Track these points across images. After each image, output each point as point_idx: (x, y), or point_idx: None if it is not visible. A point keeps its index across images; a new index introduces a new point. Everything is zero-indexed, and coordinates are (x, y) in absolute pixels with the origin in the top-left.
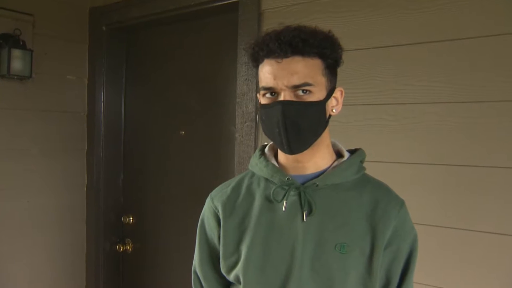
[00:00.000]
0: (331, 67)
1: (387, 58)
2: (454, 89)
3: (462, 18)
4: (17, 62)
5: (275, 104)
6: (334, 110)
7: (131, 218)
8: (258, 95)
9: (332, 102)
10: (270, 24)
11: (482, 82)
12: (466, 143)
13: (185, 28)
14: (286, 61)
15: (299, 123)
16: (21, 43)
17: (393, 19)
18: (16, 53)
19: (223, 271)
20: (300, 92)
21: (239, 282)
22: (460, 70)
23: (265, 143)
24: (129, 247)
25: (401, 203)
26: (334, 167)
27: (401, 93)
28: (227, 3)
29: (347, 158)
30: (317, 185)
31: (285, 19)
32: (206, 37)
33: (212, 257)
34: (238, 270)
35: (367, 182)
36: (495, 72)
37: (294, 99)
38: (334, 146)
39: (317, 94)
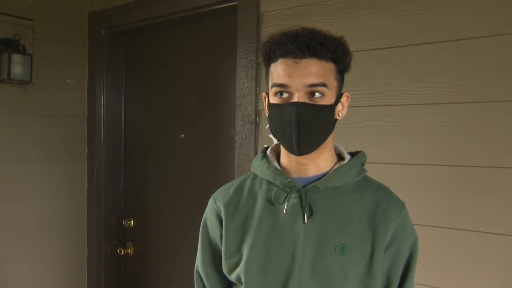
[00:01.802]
0: (341, 72)
1: (386, 59)
2: (454, 90)
3: (461, 19)
4: (17, 67)
5: (289, 105)
6: (340, 115)
7: (132, 222)
8: (264, 94)
9: (338, 106)
10: (269, 27)
11: (481, 82)
12: (466, 143)
13: (184, 31)
14: (303, 61)
15: (311, 126)
16: (21, 48)
17: (391, 20)
18: (16, 58)
19: (224, 271)
20: (314, 95)
21: (240, 282)
22: (459, 71)
23: (266, 145)
24: (130, 250)
25: (402, 205)
26: (335, 169)
27: (401, 94)
28: (226, 6)
29: (348, 161)
30: (318, 188)
31: (284, 22)
32: (205, 40)
33: (215, 257)
34: (239, 270)
35: (368, 185)
36: (495, 72)
37: (307, 101)
38: (335, 149)
39: (329, 98)
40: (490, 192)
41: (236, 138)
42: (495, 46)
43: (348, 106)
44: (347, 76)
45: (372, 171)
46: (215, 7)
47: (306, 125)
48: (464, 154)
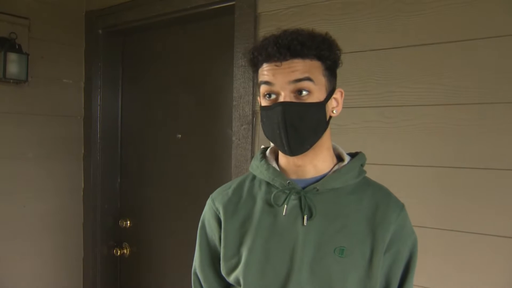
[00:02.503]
0: (331, 69)
1: (384, 60)
2: (452, 91)
3: (459, 20)
4: (13, 66)
5: (275, 105)
6: (334, 111)
7: (128, 222)
8: (258, 98)
9: (332, 103)
10: (267, 27)
11: (480, 84)
12: (464, 145)
13: (181, 31)
14: (285, 63)
15: (299, 124)
16: (17, 46)
17: (389, 21)
18: (12, 56)
19: (223, 272)
20: (301, 93)
21: (239, 284)
22: (457, 72)
23: (263, 146)
24: (126, 251)
25: (401, 207)
26: (335, 171)
27: (398, 95)
28: (223, 6)
29: (348, 162)
30: (317, 190)
31: (281, 22)
32: (203, 40)
33: (213, 259)
34: (238, 272)
35: (367, 186)
36: (494, 74)
37: (294, 100)
38: (334, 150)
39: (317, 95)
40: (489, 194)
41: (233, 138)
42: (494, 47)
43: (346, 107)
44: (345, 77)
45: (370, 172)
46: (212, 7)
47: (293, 125)
48: (463, 156)
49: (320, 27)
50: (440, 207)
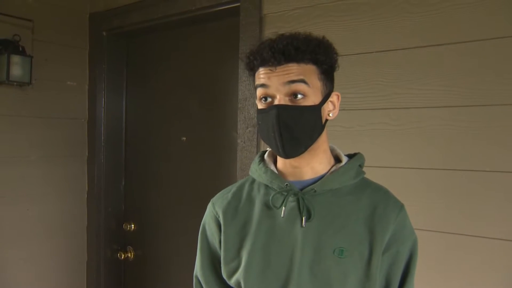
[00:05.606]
0: (327, 72)
1: (390, 62)
2: (458, 93)
3: (466, 21)
4: (17, 68)
5: (270, 108)
6: (330, 115)
7: (133, 225)
8: (256, 101)
9: (328, 106)
10: (272, 28)
11: (486, 85)
12: (470, 147)
13: (186, 33)
14: (280, 68)
15: (293, 127)
16: (20, 49)
17: (395, 22)
18: (16, 59)
19: (224, 276)
20: (296, 97)
21: (240, 287)
22: (464, 74)
23: (265, 149)
24: (131, 255)
25: (400, 206)
26: (332, 172)
27: (405, 97)
28: (228, 7)
29: (345, 163)
30: (315, 191)
31: (286, 23)
32: (208, 42)
33: (214, 262)
34: (239, 275)
35: (366, 187)
36: (500, 76)
37: (289, 103)
38: (332, 151)
39: (313, 98)
40: (494, 197)
41: (238, 141)
42: (501, 48)
43: (352, 109)
44: (351, 79)
45: (375, 175)
46: (217, 9)
47: (288, 127)
48: (468, 158)
49: (326, 29)
50: (446, 210)
